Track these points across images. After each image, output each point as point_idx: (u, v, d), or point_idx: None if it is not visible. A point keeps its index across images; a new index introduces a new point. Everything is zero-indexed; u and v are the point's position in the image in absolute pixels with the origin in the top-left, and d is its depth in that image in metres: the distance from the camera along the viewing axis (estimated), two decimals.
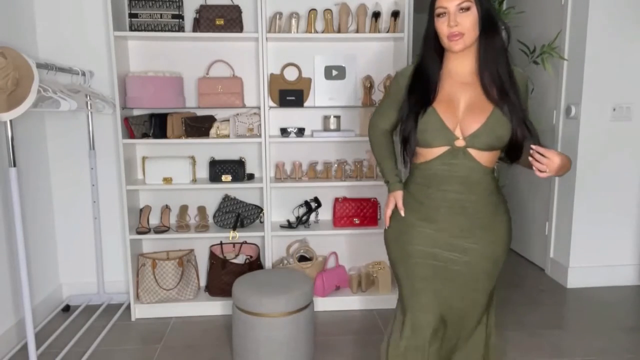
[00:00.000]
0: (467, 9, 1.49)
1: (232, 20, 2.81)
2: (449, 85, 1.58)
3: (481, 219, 1.59)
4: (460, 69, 1.58)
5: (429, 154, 1.58)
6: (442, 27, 1.52)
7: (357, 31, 2.97)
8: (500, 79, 1.53)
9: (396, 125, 1.73)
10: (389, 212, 1.72)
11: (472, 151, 1.54)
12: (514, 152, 1.56)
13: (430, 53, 1.60)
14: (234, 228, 2.97)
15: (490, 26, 1.52)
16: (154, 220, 3.11)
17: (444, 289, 1.62)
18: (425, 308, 1.61)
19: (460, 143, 1.54)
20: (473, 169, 1.55)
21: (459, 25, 1.49)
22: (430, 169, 1.59)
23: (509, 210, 1.68)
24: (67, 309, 3.03)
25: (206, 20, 2.80)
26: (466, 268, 1.61)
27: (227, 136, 2.91)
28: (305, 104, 3.02)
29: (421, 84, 1.60)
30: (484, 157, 1.55)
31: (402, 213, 1.66)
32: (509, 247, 1.67)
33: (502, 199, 1.66)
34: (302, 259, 3.13)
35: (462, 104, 1.55)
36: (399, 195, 1.70)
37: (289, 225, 3.06)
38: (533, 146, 1.45)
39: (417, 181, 1.64)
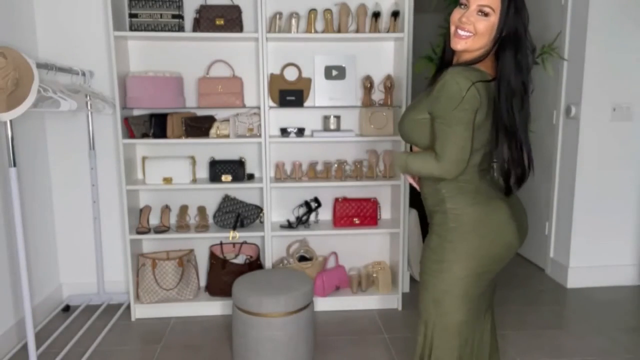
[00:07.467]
0: (486, 14, 1.40)
1: (232, 20, 2.81)
2: None
3: None
4: None
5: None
6: (456, 14, 1.45)
7: (357, 31, 2.96)
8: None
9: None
10: None
11: None
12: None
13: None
14: (234, 228, 2.97)
15: (513, 45, 1.41)
16: (154, 220, 3.11)
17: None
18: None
19: None
20: None
21: (471, 24, 1.41)
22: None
23: None
24: (67, 309, 3.03)
25: (206, 20, 2.80)
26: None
27: (227, 136, 2.91)
28: (305, 104, 3.02)
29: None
30: None
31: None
32: None
33: None
34: (302, 259, 3.13)
35: None
36: None
37: (289, 225, 3.06)
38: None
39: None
